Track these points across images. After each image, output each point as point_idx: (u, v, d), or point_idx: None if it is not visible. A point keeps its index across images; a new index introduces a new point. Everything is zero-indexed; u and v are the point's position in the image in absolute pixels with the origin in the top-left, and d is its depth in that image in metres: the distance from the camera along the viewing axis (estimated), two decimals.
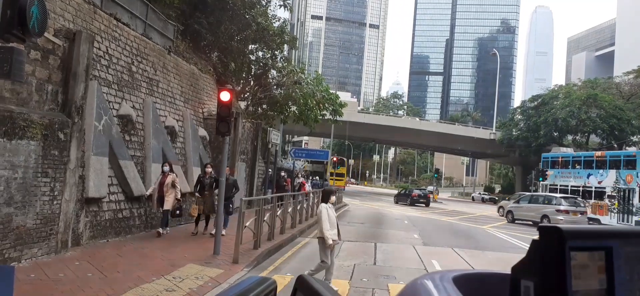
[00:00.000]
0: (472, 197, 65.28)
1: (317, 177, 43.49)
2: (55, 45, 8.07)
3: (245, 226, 9.31)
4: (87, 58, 8.60)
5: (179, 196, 10.96)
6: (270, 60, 22.75)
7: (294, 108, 22.93)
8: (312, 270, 7.36)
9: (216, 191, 11.43)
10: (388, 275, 9.14)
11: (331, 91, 30.29)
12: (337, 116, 29.20)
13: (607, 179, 26.21)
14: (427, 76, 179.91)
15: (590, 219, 25.90)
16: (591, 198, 27.07)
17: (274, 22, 22.73)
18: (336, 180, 42.00)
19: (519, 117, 54.54)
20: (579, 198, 25.69)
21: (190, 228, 11.84)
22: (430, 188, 61.54)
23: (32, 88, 7.63)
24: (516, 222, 24.96)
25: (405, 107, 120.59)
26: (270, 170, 22.21)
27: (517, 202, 27.58)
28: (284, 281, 7.46)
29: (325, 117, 27.80)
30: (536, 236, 0.76)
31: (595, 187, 27.07)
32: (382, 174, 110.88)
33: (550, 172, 31.01)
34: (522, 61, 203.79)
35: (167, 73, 13.40)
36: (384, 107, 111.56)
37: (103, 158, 9.65)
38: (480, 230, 20.31)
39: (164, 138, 12.66)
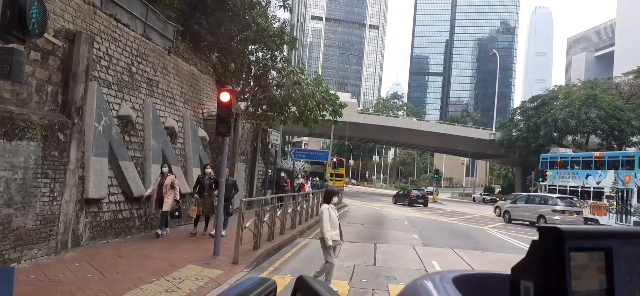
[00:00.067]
0: (473, 197, 65.28)
1: (317, 178, 43.50)
2: (55, 46, 8.07)
3: (245, 227, 9.31)
4: (87, 59, 8.61)
5: (178, 197, 10.93)
6: (270, 61, 22.75)
7: (293, 109, 22.94)
8: (318, 272, 7.34)
9: (215, 192, 11.45)
10: (388, 275, 9.13)
11: (331, 92, 30.29)
12: (337, 117, 29.21)
13: (606, 179, 26.31)
14: (426, 77, 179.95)
15: (586, 219, 26.07)
16: (590, 199, 27.22)
17: (274, 23, 22.74)
18: (335, 180, 42.20)
19: (519, 117, 54.54)
20: (575, 199, 25.92)
21: (190, 229, 11.83)
22: (430, 188, 61.56)
23: (32, 89, 7.63)
24: (513, 221, 25.11)
25: (405, 107, 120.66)
26: (270, 170, 22.21)
27: (514, 202, 27.75)
28: (284, 282, 7.46)
29: (325, 118, 27.82)
30: (536, 237, 0.76)
31: (594, 188, 27.15)
32: (382, 175, 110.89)
33: (549, 173, 31.07)
34: (522, 61, 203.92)
35: (167, 74, 13.41)
36: (384, 108, 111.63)
37: (103, 159, 9.65)
38: (480, 230, 20.32)
39: (164, 139, 12.66)
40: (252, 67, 22.76)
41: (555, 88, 54.36)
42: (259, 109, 22.75)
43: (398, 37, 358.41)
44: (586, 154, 31.28)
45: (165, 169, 10.90)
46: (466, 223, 23.45)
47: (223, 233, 10.35)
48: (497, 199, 53.67)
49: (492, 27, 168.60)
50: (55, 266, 7.26)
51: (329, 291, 0.90)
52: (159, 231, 10.75)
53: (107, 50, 10.24)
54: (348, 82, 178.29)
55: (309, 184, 28.13)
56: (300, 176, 30.47)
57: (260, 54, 23.05)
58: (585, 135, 46.15)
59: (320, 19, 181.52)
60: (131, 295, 6.15)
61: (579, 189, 28.22)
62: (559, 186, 29.78)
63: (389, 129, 57.33)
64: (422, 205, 36.36)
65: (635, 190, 24.14)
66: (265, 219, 10.78)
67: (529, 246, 0.76)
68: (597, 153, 29.78)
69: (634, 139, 44.32)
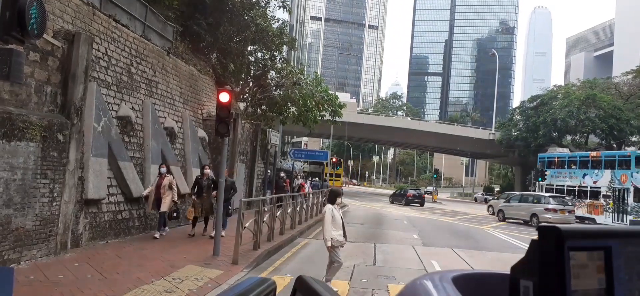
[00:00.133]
0: (475, 197, 65.20)
1: (317, 178, 43.55)
2: (54, 46, 8.07)
3: (244, 227, 9.30)
4: (86, 59, 8.60)
5: (175, 198, 10.85)
6: (270, 61, 22.74)
7: (293, 109, 22.94)
8: (329, 276, 7.30)
9: (214, 193, 11.44)
10: (387, 275, 9.14)
11: (330, 92, 30.30)
12: (336, 117, 29.22)
13: (603, 179, 26.58)
14: (426, 77, 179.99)
15: (578, 218, 26.53)
16: (587, 198, 27.48)
17: (273, 23, 22.73)
18: (334, 180, 42.46)
19: (518, 117, 54.54)
20: (567, 197, 26.30)
21: (189, 229, 11.79)
22: (429, 188, 61.55)
23: (31, 89, 7.62)
24: (507, 220, 25.38)
25: (405, 107, 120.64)
26: (269, 171, 22.21)
27: (508, 201, 28.02)
28: (284, 282, 7.46)
29: (325, 118, 27.82)
30: (535, 237, 0.76)
31: (591, 187, 27.39)
32: (381, 175, 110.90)
33: (547, 172, 31.22)
34: (521, 61, 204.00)
35: (166, 74, 13.40)
36: (383, 108, 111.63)
37: (102, 160, 9.65)
38: (480, 230, 20.32)
39: (163, 140, 12.66)
40: (252, 68, 22.75)
41: (555, 88, 54.37)
42: (259, 109, 22.75)
43: (397, 37, 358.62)
44: (583, 154, 31.53)
45: (163, 170, 10.84)
46: (466, 223, 23.46)
47: (222, 233, 10.34)
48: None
49: (491, 27, 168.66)
50: (55, 266, 7.26)
51: (329, 291, 0.90)
52: (157, 236, 10.67)
53: (106, 51, 10.24)
54: (347, 82, 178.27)
55: (308, 184, 28.14)
56: (299, 176, 30.48)
57: (259, 55, 23.04)
58: (585, 134, 46.16)
59: (319, 19, 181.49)
60: (131, 295, 6.15)
61: (576, 188, 28.48)
62: (557, 185, 29.99)
63: (388, 129, 57.34)
64: (418, 205, 36.82)
65: (632, 189, 24.42)
66: (264, 219, 10.78)
67: (528, 245, 0.76)
68: (594, 153, 30.05)
69: (634, 139, 44.32)
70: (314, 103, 23.69)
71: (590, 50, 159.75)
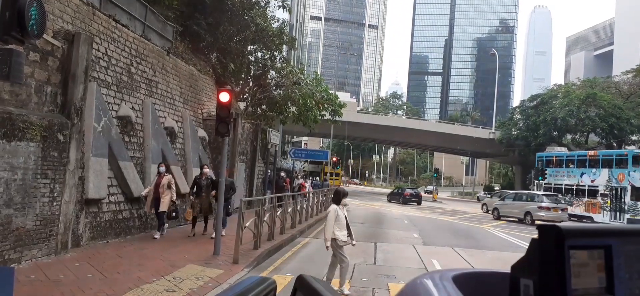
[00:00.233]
0: (478, 196, 65.19)
1: (318, 178, 43.62)
2: (54, 46, 8.07)
3: (245, 227, 9.31)
4: (86, 59, 8.60)
5: (174, 197, 10.78)
6: (270, 61, 22.74)
7: (293, 108, 22.94)
8: (341, 279, 7.24)
9: (213, 192, 11.42)
10: (388, 274, 9.14)
11: (330, 91, 30.33)
12: (337, 116, 29.24)
13: (600, 178, 26.87)
14: (426, 76, 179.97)
15: (576, 216, 27.18)
16: (584, 197, 27.78)
17: (273, 23, 22.73)
18: (333, 179, 42.65)
19: (518, 116, 54.47)
20: (559, 196, 26.64)
21: (189, 229, 11.76)
22: (429, 187, 61.53)
23: (31, 89, 7.63)
24: (502, 218, 25.74)
25: (405, 107, 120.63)
26: (269, 170, 22.21)
27: (503, 199, 28.33)
28: (284, 281, 7.46)
29: (325, 118, 27.83)
30: (535, 235, 0.76)
31: (589, 186, 27.67)
32: (381, 174, 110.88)
33: (546, 171, 31.37)
34: (521, 61, 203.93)
35: (166, 74, 13.40)
36: (383, 107, 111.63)
37: (102, 160, 9.65)
38: (480, 229, 20.32)
39: (164, 139, 12.66)
40: (252, 67, 22.75)
41: (555, 87, 54.29)
42: (259, 109, 22.75)
43: (397, 36, 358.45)
44: (581, 153, 31.86)
45: (162, 169, 10.76)
46: (466, 222, 23.46)
47: (223, 233, 10.34)
48: None
49: (491, 26, 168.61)
50: (56, 266, 7.26)
51: (329, 290, 0.90)
52: (156, 236, 10.63)
53: (106, 51, 10.24)
54: (347, 81, 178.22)
55: (309, 183, 28.15)
56: (299, 176, 30.49)
57: (259, 54, 23.04)
58: (585, 134, 46.10)
59: (319, 19, 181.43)
60: (131, 295, 6.15)
61: (574, 187, 28.75)
62: (555, 184, 30.26)
63: (388, 128, 57.33)
64: (415, 203, 37.51)
65: (629, 188, 24.69)
66: (265, 219, 10.78)
67: (528, 244, 0.76)
68: (591, 152, 30.36)
69: (634, 137, 44.27)
70: (314, 102, 23.70)
71: (590, 49, 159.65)
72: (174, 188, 10.90)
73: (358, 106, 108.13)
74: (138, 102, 11.58)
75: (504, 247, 14.71)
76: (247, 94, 22.69)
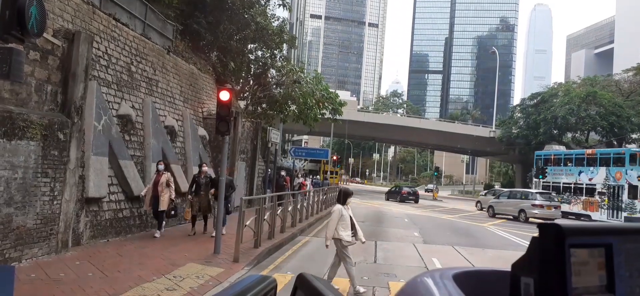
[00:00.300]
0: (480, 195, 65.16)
1: (318, 176, 43.67)
2: (55, 45, 8.07)
3: (245, 225, 9.31)
4: (87, 58, 8.60)
5: (173, 196, 10.71)
6: (270, 60, 22.73)
7: (293, 107, 22.92)
8: (352, 280, 7.18)
9: (212, 190, 11.41)
10: (388, 273, 9.15)
11: (330, 90, 30.31)
12: (337, 115, 29.22)
13: (598, 176, 27.12)
14: (426, 75, 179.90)
15: (574, 214, 27.57)
16: (582, 195, 28.04)
17: (273, 22, 22.70)
18: (331, 177, 42.89)
19: (519, 115, 54.44)
20: (553, 194, 27.04)
21: (189, 227, 11.75)
22: (430, 186, 61.50)
23: (32, 88, 7.63)
24: (496, 216, 26.15)
25: (405, 105, 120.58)
26: (269, 169, 22.21)
27: (497, 197, 28.73)
28: (285, 279, 7.47)
29: (325, 116, 27.81)
30: (536, 234, 0.76)
31: (586, 184, 27.93)
32: (382, 173, 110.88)
33: (547, 170, 31.55)
34: (522, 59, 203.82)
35: (166, 73, 13.40)
36: (384, 106, 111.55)
37: (103, 158, 9.66)
38: (480, 227, 20.32)
39: (164, 138, 12.66)
40: (252, 66, 22.74)
41: (555, 86, 54.23)
42: (259, 108, 22.74)
43: (397, 35, 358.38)
44: (579, 151, 32.19)
45: (161, 167, 10.69)
46: (466, 221, 23.47)
47: (223, 231, 10.34)
48: None
49: (491, 24, 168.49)
50: (56, 265, 7.27)
51: (329, 289, 0.90)
52: (157, 235, 10.60)
53: (106, 50, 10.23)
54: (348, 80, 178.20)
55: (309, 182, 28.14)
56: (300, 175, 30.49)
57: (259, 53, 23.03)
58: (585, 132, 46.10)
59: (319, 17, 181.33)
60: (132, 294, 6.16)
61: (572, 186, 29.01)
62: (553, 183, 30.55)
63: (388, 127, 57.32)
64: (413, 201, 38.20)
65: (626, 186, 24.95)
66: (265, 217, 10.78)
67: (529, 243, 0.76)
68: (589, 151, 30.71)
69: (634, 136, 44.25)
70: (314, 101, 23.68)
71: (590, 47, 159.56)
72: (173, 186, 10.85)
73: (358, 105, 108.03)
74: (138, 101, 11.58)
75: (504, 246, 14.71)
76: (248, 93, 22.69)
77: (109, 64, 10.32)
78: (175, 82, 14.08)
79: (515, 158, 56.19)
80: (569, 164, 30.12)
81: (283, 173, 23.15)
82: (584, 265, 0.73)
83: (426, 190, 68.76)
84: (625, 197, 24.94)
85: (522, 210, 24.20)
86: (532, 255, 0.74)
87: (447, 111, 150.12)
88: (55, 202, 7.89)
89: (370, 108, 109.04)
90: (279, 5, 22.94)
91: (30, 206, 7.35)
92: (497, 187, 68.08)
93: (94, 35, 9.51)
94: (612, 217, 25.58)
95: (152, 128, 11.89)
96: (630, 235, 0.80)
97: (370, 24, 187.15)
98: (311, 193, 18.89)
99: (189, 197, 11.54)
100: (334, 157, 45.94)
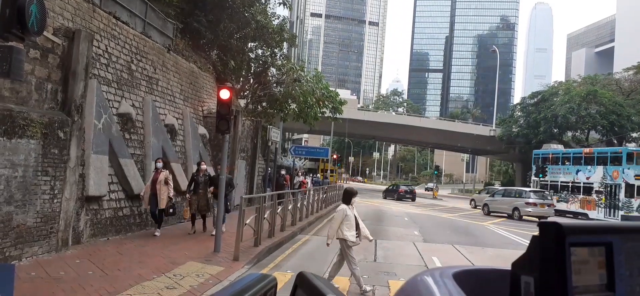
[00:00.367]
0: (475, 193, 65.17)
1: (318, 175, 43.71)
2: (55, 43, 8.07)
3: (245, 224, 9.31)
4: (87, 57, 8.60)
5: (171, 193, 10.63)
6: (270, 58, 22.71)
7: (293, 106, 22.91)
8: (358, 281, 7.15)
9: (210, 188, 11.40)
10: (388, 271, 9.16)
11: (331, 89, 30.29)
12: (337, 114, 29.22)
13: (595, 175, 27.43)
14: (426, 73, 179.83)
15: (571, 213, 28.01)
16: (580, 194, 28.31)
17: (274, 20, 22.68)
18: (331, 176, 43.01)
19: (519, 113, 54.41)
20: (546, 192, 27.48)
21: (188, 226, 11.73)
22: (430, 185, 61.48)
23: (32, 87, 7.63)
24: (491, 214, 26.56)
25: (405, 104, 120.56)
26: (269, 168, 22.20)
27: (492, 196, 29.09)
28: (285, 278, 7.47)
29: (325, 115, 27.79)
30: (536, 233, 0.76)
31: (584, 183, 28.21)
32: (382, 171, 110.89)
33: (547, 169, 31.68)
34: (522, 58, 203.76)
35: (166, 71, 13.40)
36: (384, 105, 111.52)
37: (103, 157, 9.66)
38: (480, 226, 20.33)
39: (164, 137, 12.66)
40: (252, 64, 22.72)
41: (555, 85, 54.18)
42: (259, 106, 22.73)
43: (398, 33, 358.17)
44: (576, 151, 32.53)
45: (160, 165, 10.61)
46: (466, 220, 23.48)
47: (222, 229, 10.34)
48: None
49: (492, 23, 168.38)
50: (56, 263, 7.28)
51: (329, 287, 0.90)
52: (157, 233, 10.59)
53: (106, 48, 10.23)
54: (348, 79, 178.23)
55: (309, 180, 28.15)
56: (300, 173, 30.48)
57: (259, 51, 23.01)
58: (586, 131, 46.08)
59: (319, 16, 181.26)
60: (132, 292, 6.16)
61: (570, 184, 29.30)
62: (551, 181, 30.83)
63: (388, 126, 57.29)
64: (410, 200, 38.83)
65: (623, 185, 25.26)
66: (265, 216, 10.78)
67: (529, 241, 0.76)
68: (587, 150, 31.10)
69: (634, 135, 44.23)
70: (314, 100, 23.66)
71: (591, 46, 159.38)
72: (172, 184, 10.79)
73: (358, 103, 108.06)
74: (138, 99, 11.58)
75: (504, 244, 14.72)
76: (248, 91, 22.68)
77: (109, 63, 10.32)
78: (176, 80, 14.07)
79: (515, 157, 56.19)
80: (567, 163, 30.39)
81: (283, 172, 23.15)
82: (584, 263, 0.73)
83: (426, 189, 68.81)
84: (622, 195, 25.21)
85: (516, 208, 24.55)
86: (533, 253, 0.74)
87: (447, 110, 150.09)
88: (55, 201, 7.89)
89: (370, 107, 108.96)
90: (279, 3, 22.93)
91: (31, 204, 7.36)
92: (497, 185, 68.13)
93: (94, 34, 9.50)
94: (609, 215, 25.81)
95: (153, 127, 11.89)
96: (630, 233, 0.80)
97: (370, 23, 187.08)
98: (311, 192, 18.89)
99: (188, 195, 11.50)
100: (334, 156, 45.97)
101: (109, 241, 9.57)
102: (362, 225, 7.54)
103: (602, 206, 26.47)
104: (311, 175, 39.20)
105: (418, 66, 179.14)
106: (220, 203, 9.53)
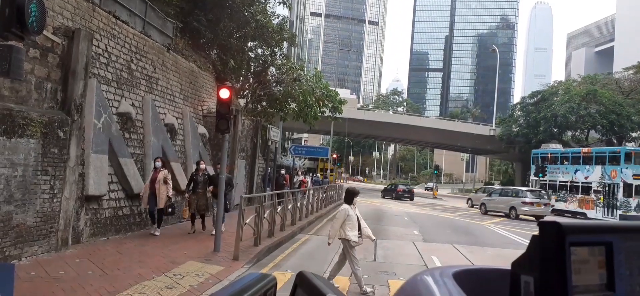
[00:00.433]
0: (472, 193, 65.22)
1: (318, 174, 43.73)
2: (54, 43, 8.06)
3: (245, 223, 9.31)
4: (86, 56, 8.60)
5: (170, 193, 10.58)
6: (270, 58, 22.71)
7: (293, 105, 22.92)
8: (359, 282, 7.13)
9: (210, 188, 11.39)
10: (388, 271, 9.16)
11: (331, 88, 30.29)
12: (337, 113, 29.23)
13: (593, 175, 27.63)
14: (426, 73, 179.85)
15: (569, 212, 28.22)
16: (578, 193, 28.50)
17: (273, 19, 22.69)
18: (330, 176, 43.11)
19: (519, 113, 54.43)
20: (542, 191, 27.69)
21: (189, 225, 11.73)
22: (430, 184, 61.48)
23: (31, 86, 7.62)
24: (488, 213, 26.80)
25: (405, 103, 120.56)
26: (269, 167, 22.20)
27: (489, 195, 29.36)
28: (285, 277, 7.47)
29: (325, 114, 27.80)
30: (536, 232, 0.76)
31: (582, 182, 28.42)
32: (382, 171, 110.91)
33: (546, 168, 31.77)
34: (522, 57, 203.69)
35: (166, 71, 13.39)
36: (384, 104, 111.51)
37: (103, 156, 9.65)
38: (480, 226, 20.33)
39: (164, 136, 12.66)
40: (252, 64, 22.72)
41: (555, 84, 54.19)
42: (259, 106, 22.73)
43: (398, 33, 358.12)
44: (575, 150, 32.77)
45: (158, 164, 10.56)
46: (466, 219, 23.49)
47: (222, 229, 10.33)
48: None
49: (491, 23, 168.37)
50: (56, 263, 7.27)
51: (329, 287, 0.90)
52: (157, 233, 10.56)
53: (106, 48, 10.22)
54: (348, 78, 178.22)
55: (309, 179, 28.15)
56: (300, 172, 30.50)
57: (259, 51, 23.01)
58: (585, 130, 46.10)
59: (319, 15, 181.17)
60: (132, 291, 6.16)
61: (568, 184, 29.52)
62: (550, 181, 31.00)
63: (388, 125, 57.29)
64: (408, 199, 39.14)
65: (621, 184, 25.43)
66: (265, 215, 10.78)
67: (529, 241, 0.76)
68: (585, 149, 31.32)
69: (634, 134, 44.26)
70: (314, 99, 23.67)
71: (590, 45, 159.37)
72: (170, 183, 10.75)
73: (358, 103, 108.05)
74: (138, 99, 11.57)
75: (504, 244, 14.72)
76: (247, 91, 22.67)
77: (109, 62, 10.31)
78: (175, 79, 14.07)
79: (515, 157, 56.21)
80: (566, 162, 30.58)
81: (283, 171, 23.15)
82: (584, 263, 0.73)
83: (426, 189, 68.82)
84: (620, 195, 25.38)
85: (512, 208, 24.76)
86: (533, 253, 0.74)
87: (447, 109, 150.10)
88: (55, 200, 7.89)
89: (370, 107, 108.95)
90: (279, 2, 22.92)
91: (30, 204, 7.36)
92: (497, 185, 68.13)
93: (93, 33, 9.50)
94: (607, 214, 26.00)
95: (152, 126, 11.89)
96: (630, 233, 0.80)
97: (370, 22, 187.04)
98: (311, 192, 18.89)
99: (187, 195, 11.49)
100: (334, 155, 45.99)
101: (109, 240, 9.57)
102: (364, 224, 7.53)
103: (600, 205, 26.64)
104: (311, 174, 39.24)
105: (418, 65, 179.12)
106: (220, 202, 9.53)
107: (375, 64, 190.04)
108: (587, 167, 28.19)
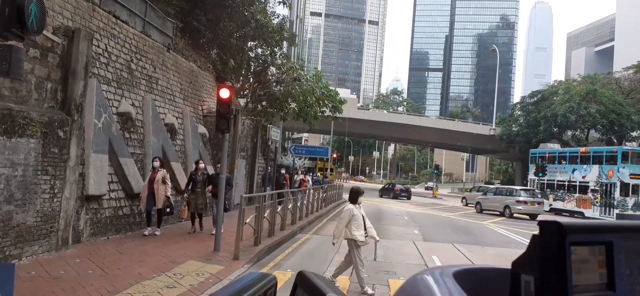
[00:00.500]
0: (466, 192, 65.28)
1: (318, 173, 43.75)
2: (54, 43, 8.06)
3: (245, 223, 9.31)
4: (86, 56, 8.60)
5: (169, 193, 10.55)
6: (270, 57, 22.71)
7: (293, 105, 22.92)
8: (360, 281, 7.12)
9: (209, 187, 11.38)
10: (388, 270, 9.16)
11: (331, 88, 30.30)
12: (337, 113, 29.24)
13: (591, 174, 27.88)
14: (426, 72, 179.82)
15: (567, 211, 28.51)
16: (576, 192, 28.77)
17: (273, 19, 22.68)
18: (330, 175, 43.23)
19: (519, 112, 54.42)
20: (537, 190, 28.16)
21: (189, 225, 11.73)
22: (430, 184, 61.47)
23: (32, 86, 7.62)
24: (484, 212, 27.06)
25: (405, 103, 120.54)
26: (269, 167, 22.20)
27: (484, 194, 29.56)
28: (285, 277, 7.47)
29: (325, 114, 27.81)
30: (536, 231, 0.76)
31: (580, 182, 28.67)
32: (382, 170, 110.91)
33: (547, 168, 31.86)
34: (522, 57, 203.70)
35: (166, 70, 13.39)
36: (384, 104, 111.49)
37: (103, 156, 9.65)
38: (480, 225, 20.33)
39: (164, 136, 12.65)
40: (252, 64, 22.72)
41: (555, 84, 54.17)
42: (259, 105, 22.73)
43: (398, 32, 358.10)
44: (573, 150, 33.07)
45: (157, 164, 10.51)
46: (466, 219, 23.49)
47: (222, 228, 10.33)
48: None
49: (491, 22, 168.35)
50: (56, 262, 7.28)
51: (329, 286, 0.90)
52: (157, 233, 10.53)
53: (106, 47, 10.22)
54: (348, 78, 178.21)
55: (310, 179, 28.15)
56: (300, 172, 30.50)
57: (259, 50, 23.01)
58: (585, 130, 46.10)
59: (319, 15, 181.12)
60: (132, 291, 6.16)
61: (566, 183, 29.77)
62: (548, 180, 31.22)
63: (388, 125, 57.28)
64: (405, 198, 39.58)
65: (618, 184, 25.70)
66: (265, 215, 10.78)
67: (529, 241, 0.76)
68: (583, 149, 31.53)
69: (634, 134, 44.27)
70: (314, 99, 23.68)
71: (591, 45, 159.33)
72: (169, 183, 10.73)
73: (358, 102, 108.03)
74: (138, 99, 11.57)
75: (505, 243, 14.72)
76: (248, 90, 22.67)
77: (109, 62, 10.31)
78: (175, 79, 14.07)
79: (515, 156, 56.19)
80: (563, 162, 30.79)
81: (283, 171, 23.15)
82: (585, 262, 0.73)
83: (426, 188, 68.84)
84: (617, 194, 25.64)
85: (507, 206, 25.01)
86: (533, 252, 0.74)
87: (447, 109, 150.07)
88: (55, 200, 7.89)
89: (370, 106, 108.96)
90: (279, 2, 22.91)
91: (31, 203, 7.36)
92: (496, 184, 68.10)
93: (93, 33, 9.50)
94: (605, 214, 26.21)
95: (152, 126, 11.89)
96: (630, 232, 0.80)
97: (370, 22, 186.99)
98: (311, 191, 18.88)
99: (186, 194, 11.48)
100: (334, 155, 46.01)
101: (109, 240, 9.57)
102: (369, 224, 7.52)
103: (597, 205, 26.86)
104: (311, 173, 39.26)
105: (418, 65, 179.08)
106: (220, 202, 9.53)
107: (375, 64, 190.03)
108: (585, 166, 28.39)
